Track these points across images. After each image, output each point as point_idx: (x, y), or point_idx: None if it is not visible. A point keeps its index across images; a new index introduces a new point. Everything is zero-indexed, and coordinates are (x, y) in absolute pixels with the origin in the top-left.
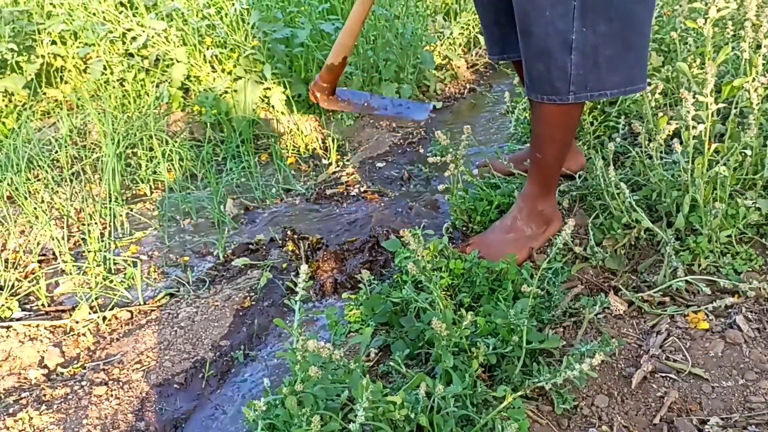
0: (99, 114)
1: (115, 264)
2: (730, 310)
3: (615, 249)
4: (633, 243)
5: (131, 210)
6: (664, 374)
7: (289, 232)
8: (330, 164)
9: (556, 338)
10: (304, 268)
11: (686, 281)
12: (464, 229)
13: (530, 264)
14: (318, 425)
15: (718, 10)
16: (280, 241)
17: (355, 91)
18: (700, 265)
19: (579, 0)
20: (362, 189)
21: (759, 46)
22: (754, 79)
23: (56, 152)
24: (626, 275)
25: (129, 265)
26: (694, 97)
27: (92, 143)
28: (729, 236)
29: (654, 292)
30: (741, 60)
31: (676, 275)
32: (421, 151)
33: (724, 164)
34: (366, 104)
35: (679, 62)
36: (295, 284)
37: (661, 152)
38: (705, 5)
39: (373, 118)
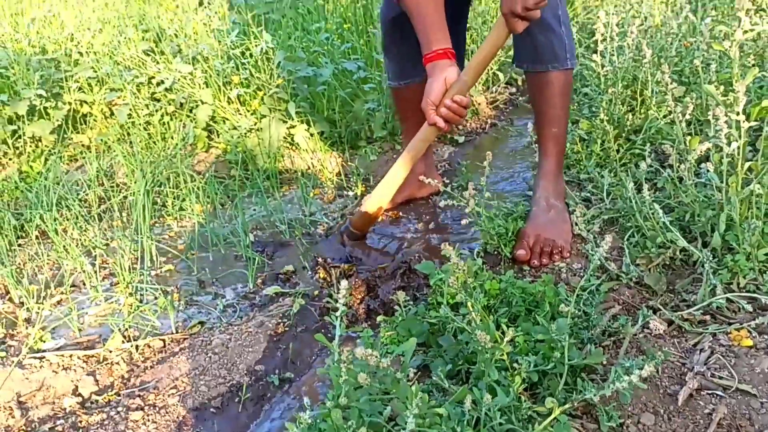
0: (126, 155)
1: (146, 294)
2: None
3: (649, 268)
4: (668, 263)
5: (159, 242)
6: (710, 391)
7: (319, 260)
8: (356, 196)
9: (599, 352)
10: (344, 282)
11: (727, 299)
12: (495, 253)
13: (565, 286)
14: None
15: (745, 32)
16: (311, 270)
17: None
18: (739, 284)
19: None
20: (389, 216)
21: None
22: None
23: (84, 192)
24: (664, 295)
25: (160, 294)
26: (726, 115)
27: (119, 183)
28: (767, 254)
29: (694, 311)
30: (767, 83)
31: (715, 293)
32: (446, 180)
33: (759, 182)
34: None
35: (705, 85)
36: (329, 309)
37: (692, 174)
38: (730, 28)
39: (396, 154)
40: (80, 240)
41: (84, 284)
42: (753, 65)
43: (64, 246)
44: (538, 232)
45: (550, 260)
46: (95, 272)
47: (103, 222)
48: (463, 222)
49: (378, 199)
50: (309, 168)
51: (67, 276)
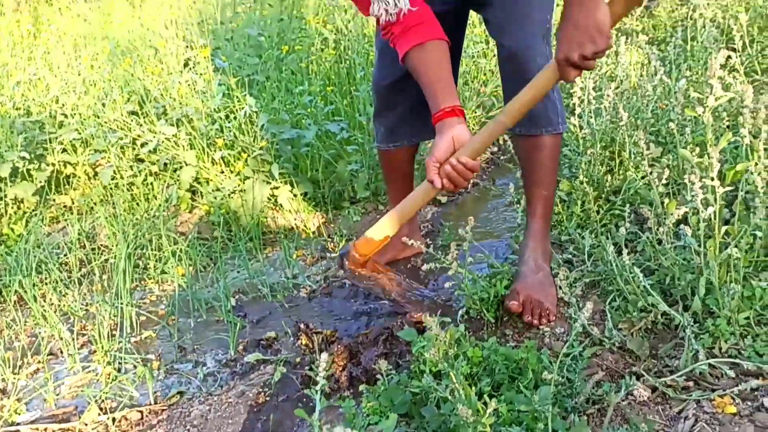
0: (108, 217)
1: (124, 362)
2: (756, 392)
3: (632, 332)
4: (650, 327)
5: (140, 308)
6: None
7: (301, 326)
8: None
9: (583, 423)
10: (324, 356)
11: (709, 365)
12: (478, 317)
13: (548, 351)
14: None
15: (717, 99)
16: (293, 336)
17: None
18: (721, 348)
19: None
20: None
21: (759, 132)
22: (756, 164)
23: (65, 255)
24: (647, 360)
25: (138, 363)
26: (701, 180)
27: (101, 246)
28: (747, 318)
29: (677, 377)
30: (741, 146)
31: (697, 359)
32: (429, 242)
33: (736, 246)
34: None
35: (681, 149)
36: (311, 377)
37: (671, 236)
38: (703, 95)
39: (379, 214)
40: (59, 305)
41: (61, 352)
42: (727, 126)
43: (42, 313)
44: (528, 292)
45: (539, 322)
46: (73, 339)
47: (83, 286)
48: (446, 285)
49: (385, 228)
50: (293, 228)
51: (44, 344)
